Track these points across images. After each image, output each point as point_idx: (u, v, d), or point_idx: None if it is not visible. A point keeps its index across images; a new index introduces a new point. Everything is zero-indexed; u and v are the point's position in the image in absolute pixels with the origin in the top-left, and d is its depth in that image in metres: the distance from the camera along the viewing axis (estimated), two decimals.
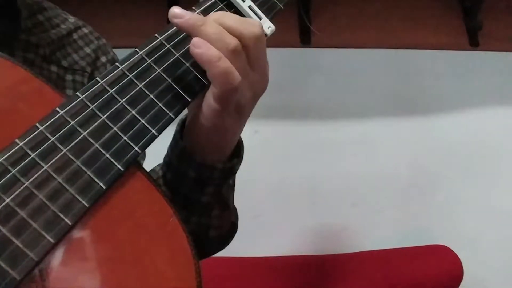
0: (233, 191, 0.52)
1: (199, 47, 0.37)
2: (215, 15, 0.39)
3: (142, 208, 0.37)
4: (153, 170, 0.53)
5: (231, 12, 0.43)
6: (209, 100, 0.40)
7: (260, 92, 0.42)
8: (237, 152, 0.47)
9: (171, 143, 0.47)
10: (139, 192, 0.38)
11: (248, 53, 0.39)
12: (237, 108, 0.41)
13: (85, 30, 0.58)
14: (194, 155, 0.45)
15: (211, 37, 0.38)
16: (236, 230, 0.54)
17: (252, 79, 0.41)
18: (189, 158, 0.45)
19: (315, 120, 1.40)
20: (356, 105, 1.43)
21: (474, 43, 1.50)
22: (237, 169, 0.48)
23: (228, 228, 0.53)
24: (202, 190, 0.47)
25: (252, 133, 1.22)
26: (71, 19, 0.57)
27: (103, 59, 0.58)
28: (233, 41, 0.38)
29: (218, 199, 0.49)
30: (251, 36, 0.39)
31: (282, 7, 0.45)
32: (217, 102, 0.39)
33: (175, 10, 0.39)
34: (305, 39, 1.42)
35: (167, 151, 0.48)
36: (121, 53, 0.61)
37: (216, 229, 0.51)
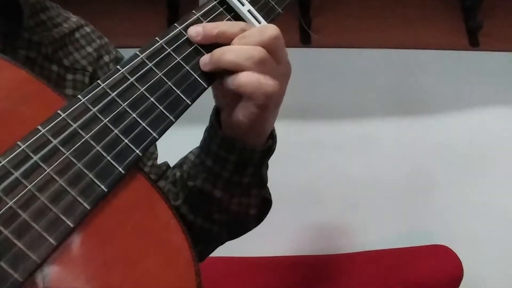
0: (267, 170, 0.53)
1: (230, 83, 0.41)
2: (231, 35, 0.41)
3: (143, 210, 0.38)
4: (186, 157, 0.55)
5: (231, 16, 0.43)
6: (250, 108, 0.42)
7: (289, 76, 0.45)
8: (270, 133, 0.49)
9: (209, 130, 0.49)
10: (140, 195, 0.38)
11: (274, 53, 0.42)
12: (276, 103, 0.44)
13: (87, 29, 0.58)
14: (234, 141, 0.46)
15: (236, 62, 0.40)
16: (271, 206, 0.56)
17: (282, 71, 0.43)
18: (230, 145, 0.46)
19: (315, 120, 1.40)
20: (356, 105, 1.43)
21: (474, 43, 1.50)
22: (274, 149, 0.50)
23: (265, 204, 0.55)
24: (243, 172, 0.48)
25: None
26: (73, 18, 0.57)
27: (106, 58, 0.58)
28: (255, 52, 0.40)
29: (257, 178, 0.51)
30: (271, 39, 0.41)
31: (281, 11, 0.46)
32: (259, 109, 0.42)
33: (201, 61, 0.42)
34: (305, 39, 1.42)
35: (205, 138, 0.50)
36: (121, 53, 0.61)
37: (255, 207, 0.53)
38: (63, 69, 0.53)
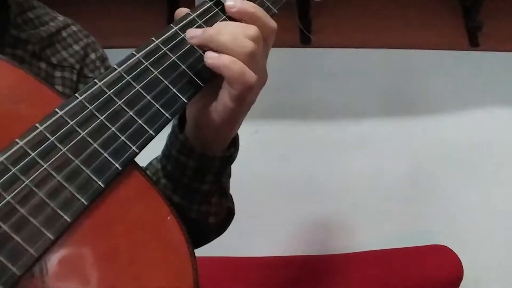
0: (229, 178, 0.53)
1: (211, 58, 0.40)
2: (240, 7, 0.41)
3: (140, 207, 0.38)
4: (150, 164, 0.54)
5: (226, 17, 0.44)
6: (225, 100, 0.42)
7: (263, 84, 0.44)
8: (233, 141, 0.49)
9: (170, 135, 0.49)
10: (137, 191, 0.38)
11: (265, 44, 0.42)
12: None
13: (74, 28, 0.59)
14: (194, 146, 0.46)
15: (227, 44, 0.40)
16: (233, 216, 0.56)
17: (262, 70, 0.43)
18: (190, 150, 0.46)
19: (315, 120, 1.41)
20: (356, 105, 1.43)
21: (474, 43, 1.50)
22: (235, 158, 0.50)
23: (226, 214, 0.55)
24: (203, 179, 0.48)
25: (252, 133, 1.23)
26: (60, 17, 0.58)
27: (93, 56, 0.59)
28: (249, 44, 0.40)
29: (218, 186, 0.50)
30: (270, 28, 0.42)
31: (276, 11, 0.46)
32: (234, 102, 0.41)
33: (190, 32, 0.41)
34: (305, 39, 1.42)
35: (166, 143, 0.50)
36: (120, 54, 0.62)
37: (215, 216, 0.52)
38: (51, 67, 0.54)
